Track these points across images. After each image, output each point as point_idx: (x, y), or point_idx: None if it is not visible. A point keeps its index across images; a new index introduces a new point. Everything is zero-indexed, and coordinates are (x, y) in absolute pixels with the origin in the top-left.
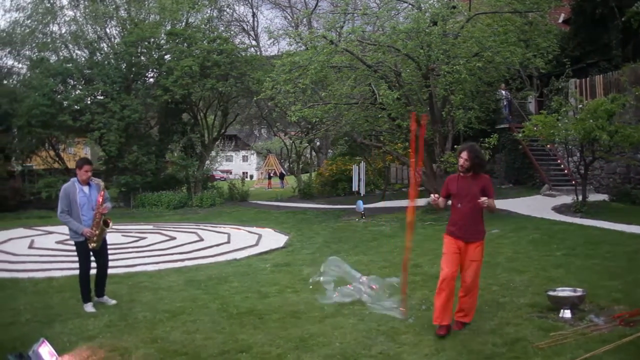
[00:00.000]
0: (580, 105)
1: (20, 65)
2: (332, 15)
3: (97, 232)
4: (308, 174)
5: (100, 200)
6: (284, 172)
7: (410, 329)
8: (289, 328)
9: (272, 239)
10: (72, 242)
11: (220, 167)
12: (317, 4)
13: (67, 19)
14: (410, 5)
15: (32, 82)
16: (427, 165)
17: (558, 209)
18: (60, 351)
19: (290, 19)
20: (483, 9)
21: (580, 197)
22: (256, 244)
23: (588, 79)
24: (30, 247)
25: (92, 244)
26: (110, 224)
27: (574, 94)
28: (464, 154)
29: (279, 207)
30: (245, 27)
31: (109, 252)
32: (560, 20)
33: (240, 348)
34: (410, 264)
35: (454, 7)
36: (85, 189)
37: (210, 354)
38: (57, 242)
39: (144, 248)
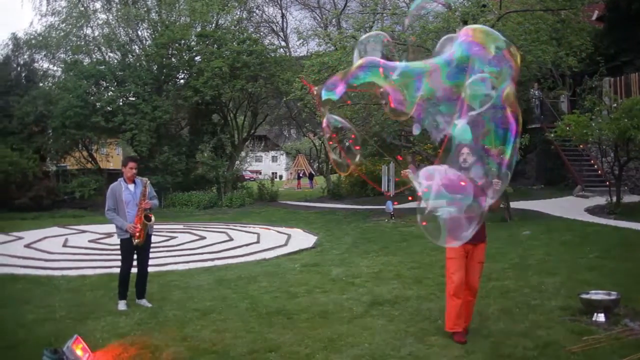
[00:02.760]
0: (615, 104)
1: (55, 68)
2: (361, 16)
3: (139, 227)
4: (337, 174)
5: (145, 195)
6: (313, 172)
7: (440, 331)
8: (317, 328)
9: (301, 239)
10: (105, 241)
11: (250, 167)
12: (346, 4)
13: (100, 22)
14: (440, 5)
15: (66, 84)
16: None
17: (591, 211)
18: (93, 347)
19: (320, 20)
20: (514, 7)
21: (614, 199)
22: (285, 244)
23: (623, 77)
24: (64, 245)
25: (135, 240)
26: (153, 219)
27: (608, 93)
28: (465, 149)
29: (308, 207)
30: (275, 28)
31: None
32: (593, 18)
33: (269, 347)
34: (439, 265)
35: (484, 6)
36: (131, 187)
37: (239, 353)
38: (90, 241)
39: (174, 247)
